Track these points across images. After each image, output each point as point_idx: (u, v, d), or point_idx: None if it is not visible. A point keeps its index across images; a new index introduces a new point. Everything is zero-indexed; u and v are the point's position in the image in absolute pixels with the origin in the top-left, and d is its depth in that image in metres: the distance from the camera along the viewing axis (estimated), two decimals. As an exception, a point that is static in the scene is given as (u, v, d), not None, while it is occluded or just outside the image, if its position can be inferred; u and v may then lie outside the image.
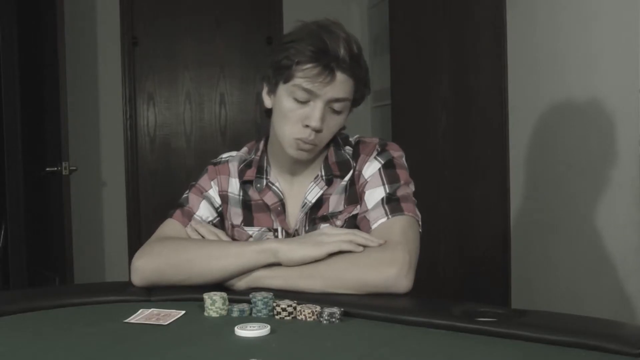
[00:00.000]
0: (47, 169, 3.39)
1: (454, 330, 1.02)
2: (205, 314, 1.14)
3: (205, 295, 1.14)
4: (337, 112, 1.35)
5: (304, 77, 1.30)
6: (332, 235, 1.26)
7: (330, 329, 1.05)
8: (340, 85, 1.32)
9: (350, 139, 1.46)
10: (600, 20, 2.16)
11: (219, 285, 1.27)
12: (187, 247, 1.32)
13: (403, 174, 1.39)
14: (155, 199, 4.13)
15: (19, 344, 1.01)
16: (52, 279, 3.50)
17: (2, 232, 3.62)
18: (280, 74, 1.34)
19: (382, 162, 1.39)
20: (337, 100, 1.33)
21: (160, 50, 4.17)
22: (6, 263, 3.70)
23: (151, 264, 1.31)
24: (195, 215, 1.43)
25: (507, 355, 0.92)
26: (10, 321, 1.13)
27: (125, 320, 1.10)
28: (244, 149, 1.52)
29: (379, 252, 1.25)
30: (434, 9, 3.27)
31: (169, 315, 1.12)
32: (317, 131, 1.33)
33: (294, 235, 1.40)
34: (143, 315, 1.12)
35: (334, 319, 1.08)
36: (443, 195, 3.13)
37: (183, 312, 1.14)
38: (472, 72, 3.01)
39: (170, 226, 1.43)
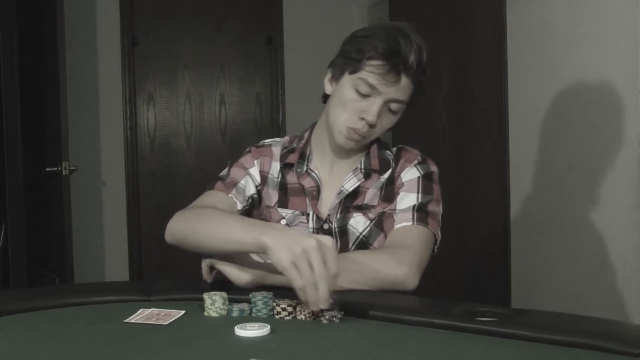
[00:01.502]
0: (47, 169, 3.39)
1: (454, 330, 1.02)
2: (205, 313, 1.14)
3: (205, 295, 1.14)
4: (393, 112, 1.41)
5: (371, 72, 1.35)
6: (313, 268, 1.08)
7: (330, 329, 1.05)
8: (403, 88, 1.37)
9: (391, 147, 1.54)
10: (600, 20, 2.16)
11: (220, 284, 1.27)
12: (204, 218, 1.32)
13: (437, 190, 1.47)
14: (155, 199, 4.13)
15: (19, 344, 1.01)
16: (52, 279, 3.50)
17: (2, 232, 3.61)
18: (349, 64, 1.38)
19: (422, 172, 1.46)
20: (396, 101, 1.38)
21: (160, 50, 4.16)
22: (6, 263, 3.70)
23: (177, 227, 1.35)
24: (239, 184, 1.47)
25: (507, 355, 0.92)
26: (10, 321, 1.13)
27: (125, 320, 1.10)
28: (286, 138, 1.58)
29: (392, 251, 1.32)
30: (434, 9, 3.28)
31: (169, 315, 1.12)
32: (371, 126, 1.39)
33: (325, 221, 1.44)
34: (143, 315, 1.12)
35: (334, 319, 1.08)
36: (443, 195, 3.12)
37: (183, 312, 1.14)
38: (472, 72, 3.01)
39: (210, 196, 1.46)
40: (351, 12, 4.22)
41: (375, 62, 1.34)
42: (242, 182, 1.48)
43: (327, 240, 1.11)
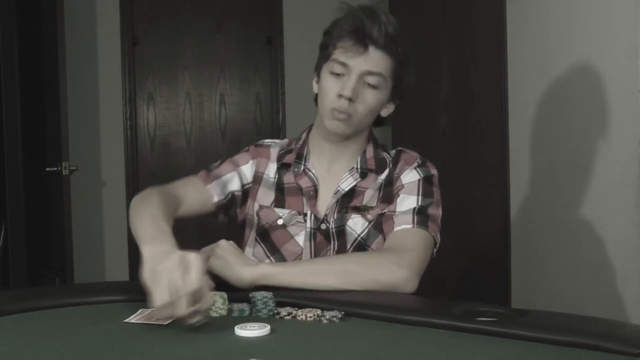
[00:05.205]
0: (47, 169, 3.39)
1: (454, 330, 1.02)
2: (205, 313, 1.14)
3: (205, 295, 1.14)
4: (373, 87, 1.42)
5: (340, 52, 1.40)
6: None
7: (330, 329, 1.05)
8: (374, 60, 1.39)
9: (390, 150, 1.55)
10: (600, 20, 2.16)
11: (220, 284, 1.27)
12: (143, 206, 1.31)
13: (437, 193, 1.47)
14: (155, 199, 4.13)
15: (19, 344, 1.01)
16: (52, 279, 3.50)
17: (2, 232, 3.61)
18: (323, 55, 1.45)
19: (422, 175, 1.47)
20: (370, 73, 1.40)
21: (160, 50, 4.16)
22: (6, 263, 3.70)
23: (131, 207, 1.35)
24: (222, 178, 1.49)
25: (507, 355, 0.92)
26: (10, 321, 1.13)
27: (125, 320, 1.10)
28: (285, 140, 1.60)
29: (393, 254, 1.32)
30: (434, 9, 3.27)
31: (169, 315, 1.12)
32: (350, 100, 1.39)
33: (322, 221, 1.45)
34: (143, 315, 1.12)
35: (334, 319, 1.08)
36: (443, 195, 3.12)
37: (183, 312, 1.14)
38: (472, 72, 3.01)
39: (186, 183, 1.51)
40: (351, 12, 4.21)
41: (342, 42, 1.39)
42: (227, 176, 1.50)
43: (191, 257, 1.07)
